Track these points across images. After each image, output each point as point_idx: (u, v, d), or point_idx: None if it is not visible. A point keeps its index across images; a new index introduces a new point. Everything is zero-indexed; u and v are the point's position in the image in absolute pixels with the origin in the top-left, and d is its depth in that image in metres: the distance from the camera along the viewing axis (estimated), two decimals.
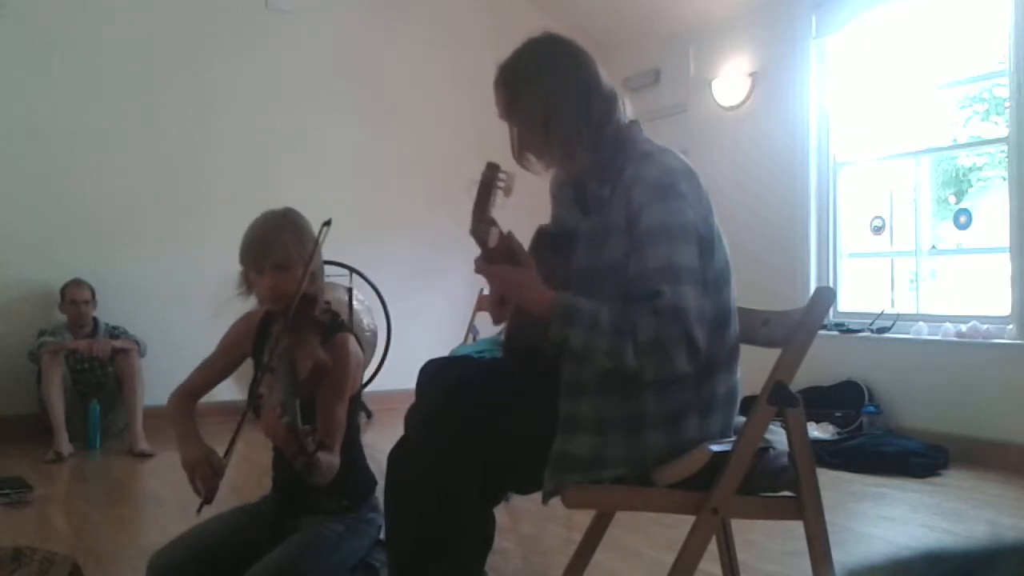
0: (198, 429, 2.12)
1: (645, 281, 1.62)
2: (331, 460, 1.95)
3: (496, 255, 1.75)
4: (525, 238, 1.87)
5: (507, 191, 1.77)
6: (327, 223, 2.05)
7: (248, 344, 2.20)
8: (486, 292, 2.33)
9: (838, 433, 4.48)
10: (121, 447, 4.65)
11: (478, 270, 1.75)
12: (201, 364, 2.25)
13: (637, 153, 1.74)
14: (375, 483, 2.19)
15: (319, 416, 1.99)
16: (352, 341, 2.13)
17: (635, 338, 1.59)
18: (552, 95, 1.75)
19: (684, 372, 1.62)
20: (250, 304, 2.27)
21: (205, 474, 1.97)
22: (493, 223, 1.73)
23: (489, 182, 1.74)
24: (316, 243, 2.08)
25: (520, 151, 1.83)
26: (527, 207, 2.06)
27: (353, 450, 2.22)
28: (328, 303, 2.24)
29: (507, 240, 1.77)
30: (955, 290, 4.83)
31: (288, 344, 1.93)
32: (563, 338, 1.63)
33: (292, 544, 2.03)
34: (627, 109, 1.84)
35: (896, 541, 2.98)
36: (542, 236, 1.90)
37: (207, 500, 1.98)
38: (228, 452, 2.00)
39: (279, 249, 2.05)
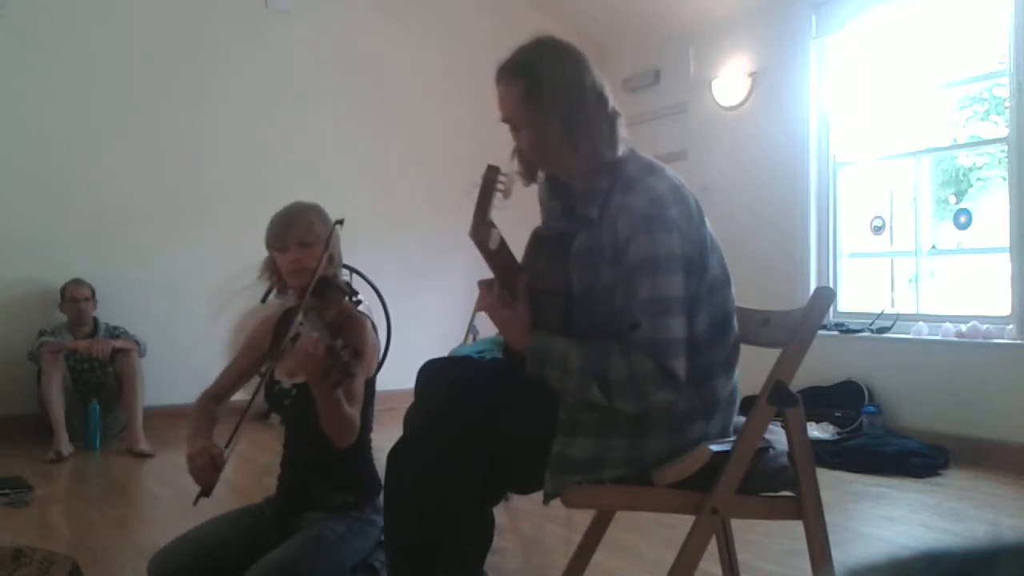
0: (211, 427, 2.17)
1: (630, 315, 1.65)
2: (353, 414, 2.03)
3: (496, 257, 1.75)
4: (520, 241, 1.87)
5: (507, 193, 1.77)
6: (339, 221, 2.20)
7: (267, 343, 2.25)
8: None
9: (838, 433, 4.48)
10: (121, 447, 4.65)
11: (480, 291, 1.79)
12: (225, 368, 2.34)
13: (624, 178, 1.72)
14: (380, 486, 2.20)
15: None
16: (369, 324, 2.24)
17: (606, 379, 1.63)
18: (573, 88, 1.73)
19: (666, 402, 1.66)
20: (250, 302, 2.29)
21: (203, 464, 2.00)
22: (493, 225, 1.73)
23: (489, 184, 1.74)
24: (333, 228, 2.22)
25: (532, 151, 1.79)
26: (524, 212, 2.06)
27: (364, 447, 2.25)
28: (349, 284, 2.30)
29: (505, 250, 1.78)
30: (955, 290, 4.83)
31: (315, 304, 2.11)
32: (538, 376, 1.71)
33: (293, 543, 2.04)
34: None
35: (896, 541, 2.98)
36: (539, 238, 1.90)
37: (204, 492, 2.02)
38: (229, 445, 2.06)
39: (304, 225, 2.17)
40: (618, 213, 1.68)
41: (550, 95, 1.72)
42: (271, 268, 2.23)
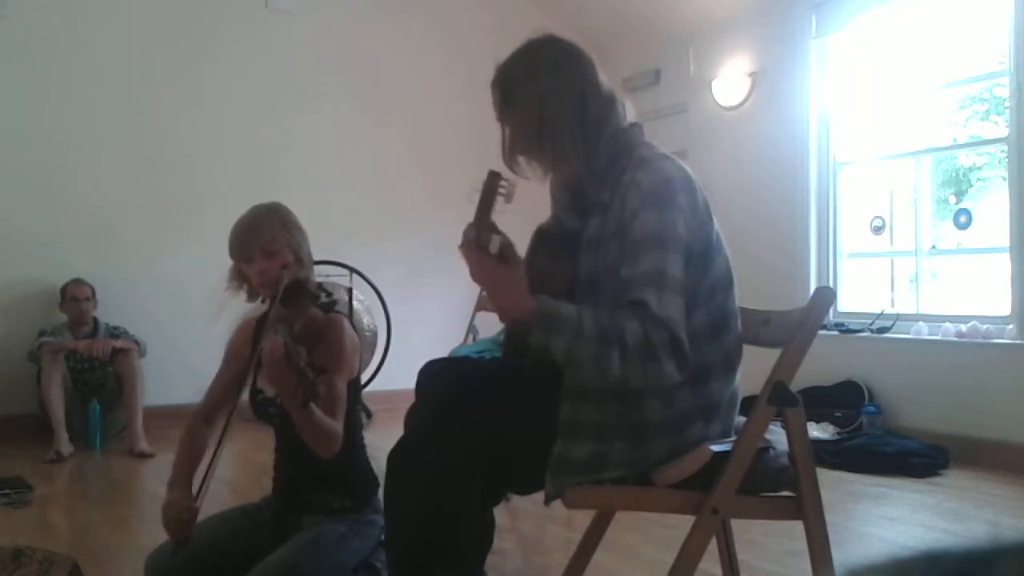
0: (194, 466, 2.11)
1: (632, 287, 1.62)
2: (333, 426, 1.98)
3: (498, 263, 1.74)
4: (524, 241, 1.86)
5: (508, 198, 1.76)
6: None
7: (247, 349, 2.21)
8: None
9: (838, 433, 4.48)
10: (121, 447, 4.65)
11: (465, 253, 1.68)
12: (212, 382, 2.27)
13: (636, 158, 1.73)
14: (378, 485, 2.19)
15: None
16: (346, 323, 2.18)
17: (623, 344, 1.58)
18: (546, 98, 1.75)
19: (674, 379, 1.61)
20: (250, 303, 2.27)
21: (173, 518, 1.97)
22: (495, 230, 1.73)
23: (491, 189, 1.73)
24: (301, 230, 2.16)
25: (511, 154, 1.82)
26: (526, 211, 2.06)
27: (356, 449, 2.23)
28: (321, 286, 2.27)
29: (508, 248, 1.76)
30: (955, 290, 4.83)
31: (284, 313, 2.04)
32: (544, 345, 1.60)
33: (293, 544, 2.03)
34: (628, 112, 1.83)
35: (896, 541, 2.98)
36: (542, 236, 1.89)
37: (179, 544, 1.98)
38: (202, 488, 2.01)
39: (265, 234, 2.11)
40: (627, 189, 1.68)
41: (521, 107, 1.77)
42: (239, 276, 2.16)
